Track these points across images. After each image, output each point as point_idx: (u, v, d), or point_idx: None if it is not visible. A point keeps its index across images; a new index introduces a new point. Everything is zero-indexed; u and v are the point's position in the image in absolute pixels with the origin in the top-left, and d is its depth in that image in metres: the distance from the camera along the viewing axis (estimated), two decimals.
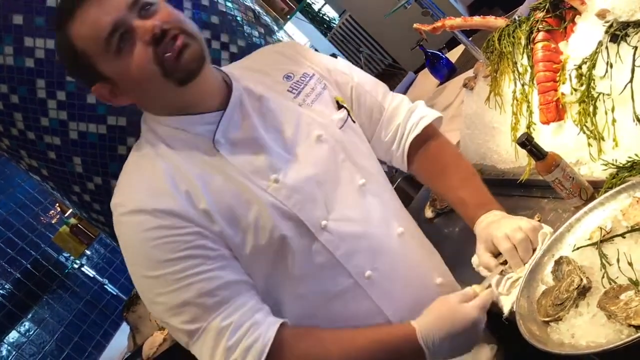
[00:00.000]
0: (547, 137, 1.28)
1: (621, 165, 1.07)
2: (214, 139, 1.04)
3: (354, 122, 1.22)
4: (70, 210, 3.90)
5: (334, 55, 1.32)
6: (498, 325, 1.28)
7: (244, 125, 1.07)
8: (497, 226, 1.10)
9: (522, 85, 1.37)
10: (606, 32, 1.14)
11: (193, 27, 1.04)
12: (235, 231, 1.01)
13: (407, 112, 1.31)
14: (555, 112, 1.25)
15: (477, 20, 1.56)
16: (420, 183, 1.79)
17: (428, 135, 1.30)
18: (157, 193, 0.99)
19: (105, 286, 4.20)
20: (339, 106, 1.20)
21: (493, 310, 1.13)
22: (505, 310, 1.05)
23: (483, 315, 1.03)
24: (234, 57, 2.02)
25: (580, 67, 1.19)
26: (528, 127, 1.34)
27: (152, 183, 1.00)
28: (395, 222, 1.17)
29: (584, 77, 1.18)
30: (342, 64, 1.31)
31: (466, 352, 1.05)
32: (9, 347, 3.57)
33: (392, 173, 2.02)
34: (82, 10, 0.98)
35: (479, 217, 1.15)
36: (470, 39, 2.17)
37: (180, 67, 0.99)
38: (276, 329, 0.98)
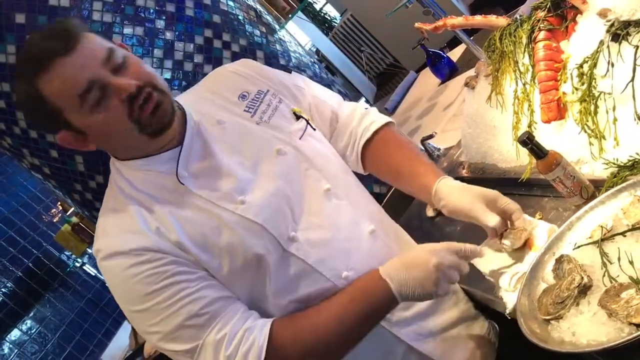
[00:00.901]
0: (548, 136, 1.28)
1: (622, 164, 1.07)
2: (177, 173, 1.07)
3: (314, 129, 1.25)
4: (72, 208, 3.91)
5: (288, 70, 1.36)
6: (498, 321, 1.30)
7: (204, 154, 1.10)
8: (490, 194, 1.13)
9: (524, 84, 1.37)
10: (607, 31, 1.14)
11: (161, 81, 1.07)
12: (210, 257, 1.04)
13: (359, 117, 1.35)
14: (557, 111, 1.26)
15: (478, 19, 1.56)
16: None
17: (379, 137, 1.33)
18: (129, 234, 1.02)
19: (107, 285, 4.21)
20: (297, 117, 1.24)
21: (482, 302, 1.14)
22: (509, 307, 1.05)
23: (444, 254, 1.04)
24: (235, 56, 2.03)
25: (581, 66, 1.19)
26: (529, 126, 1.34)
27: (124, 226, 1.04)
28: (366, 221, 1.19)
29: (585, 76, 1.18)
30: (297, 78, 1.35)
31: (429, 290, 1.04)
32: (11, 345, 3.58)
33: None
34: (55, 65, 0.97)
35: (436, 182, 1.18)
36: (471, 38, 2.18)
37: (155, 124, 1.03)
38: (269, 329, 1.01)
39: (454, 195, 1.15)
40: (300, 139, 1.20)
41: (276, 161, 1.14)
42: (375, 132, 1.33)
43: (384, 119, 1.36)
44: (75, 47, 0.98)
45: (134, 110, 1.01)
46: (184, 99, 1.19)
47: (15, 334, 3.64)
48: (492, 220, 1.10)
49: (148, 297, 0.99)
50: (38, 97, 1.00)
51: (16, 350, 3.58)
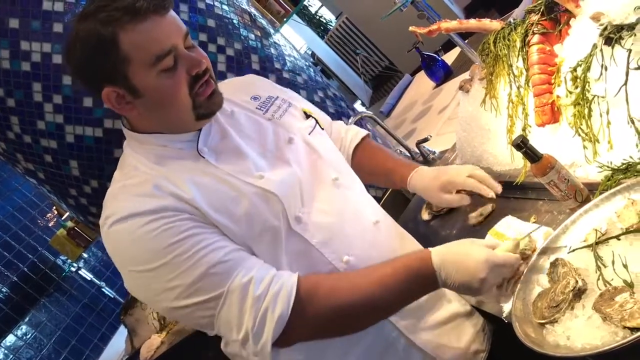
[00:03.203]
0: (542, 140, 1.28)
1: (616, 167, 1.07)
2: (197, 148, 1.11)
3: (322, 129, 1.34)
4: (67, 213, 3.89)
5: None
6: (493, 320, 1.30)
7: (221, 137, 1.15)
8: (449, 177, 1.34)
9: (518, 87, 1.38)
10: (600, 34, 1.15)
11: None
12: (227, 221, 1.05)
13: (345, 130, 1.59)
14: (551, 114, 1.26)
15: (472, 23, 1.57)
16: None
17: (361, 145, 1.57)
18: (144, 197, 1.03)
19: (103, 289, 4.19)
20: (307, 116, 1.32)
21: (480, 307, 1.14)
22: (507, 310, 1.05)
23: (495, 259, 1.02)
24: (230, 60, 2.02)
25: (575, 69, 1.19)
26: (523, 129, 1.34)
27: (138, 191, 1.04)
28: (370, 211, 1.27)
29: (578, 80, 1.18)
30: (294, 95, 1.43)
31: (471, 283, 1.02)
32: (6, 351, 3.56)
33: None
34: (149, 20, 1.00)
35: (410, 173, 1.40)
36: (466, 41, 2.18)
37: (207, 107, 1.10)
38: (297, 277, 1.03)
39: (421, 180, 1.38)
40: (309, 134, 1.27)
41: (288, 149, 1.20)
42: (360, 140, 1.55)
43: (364, 131, 1.59)
44: (168, 12, 1.04)
45: (195, 87, 1.07)
46: None
47: (10, 339, 3.62)
48: (449, 199, 1.33)
49: (167, 249, 0.98)
50: (112, 41, 1.00)
51: (11, 356, 3.56)
